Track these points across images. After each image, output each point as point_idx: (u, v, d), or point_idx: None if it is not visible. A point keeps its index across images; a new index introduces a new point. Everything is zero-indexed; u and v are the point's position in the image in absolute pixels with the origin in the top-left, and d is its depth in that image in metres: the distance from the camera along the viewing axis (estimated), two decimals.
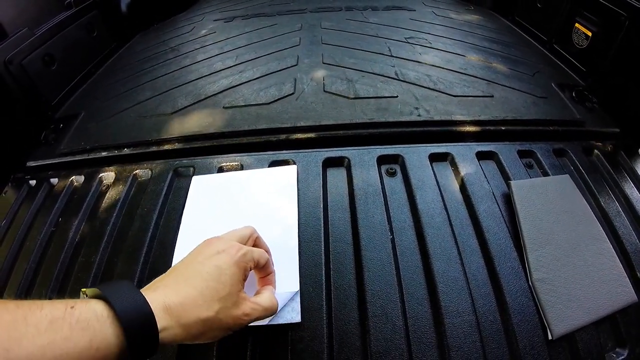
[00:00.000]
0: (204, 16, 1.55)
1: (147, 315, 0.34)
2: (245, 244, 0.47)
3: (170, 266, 0.51)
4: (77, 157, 0.87)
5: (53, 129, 0.99)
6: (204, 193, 0.70)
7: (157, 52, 1.30)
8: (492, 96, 0.94)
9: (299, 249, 0.60)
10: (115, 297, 0.33)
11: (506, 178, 0.72)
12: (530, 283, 0.56)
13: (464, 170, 0.72)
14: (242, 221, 0.55)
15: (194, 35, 1.38)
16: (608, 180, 0.75)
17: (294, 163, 0.73)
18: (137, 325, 0.33)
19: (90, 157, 0.86)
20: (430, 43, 1.19)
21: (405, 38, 1.21)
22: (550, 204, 0.66)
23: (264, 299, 0.46)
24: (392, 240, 0.60)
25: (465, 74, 1.03)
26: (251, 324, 0.48)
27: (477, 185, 0.69)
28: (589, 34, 1.05)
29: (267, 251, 0.52)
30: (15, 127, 0.96)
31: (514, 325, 0.52)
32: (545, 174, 0.74)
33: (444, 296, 0.54)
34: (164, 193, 0.72)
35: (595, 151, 0.81)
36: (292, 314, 0.52)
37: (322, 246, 0.60)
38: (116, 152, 0.85)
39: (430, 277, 0.56)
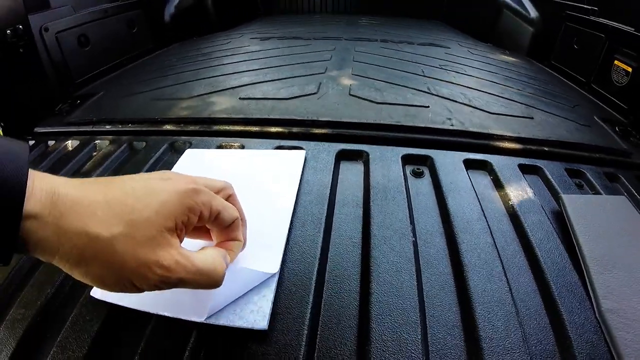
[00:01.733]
0: (242, 35, 1.51)
1: (16, 183, 0.21)
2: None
3: None
4: (82, 128, 0.78)
5: (69, 104, 0.93)
6: (193, 165, 0.56)
7: (190, 54, 1.24)
8: (532, 118, 0.80)
9: (289, 238, 0.43)
10: None
11: (555, 194, 0.56)
12: (597, 315, 0.39)
13: (505, 180, 0.56)
14: None
15: (227, 46, 1.33)
16: None
17: (305, 150, 0.60)
18: None
19: (94, 129, 0.77)
20: (466, 71, 1.07)
21: (440, 65, 1.10)
22: (610, 223, 0.50)
23: (204, 258, 0.28)
24: (415, 244, 0.44)
25: (502, 97, 0.89)
26: (198, 321, 0.32)
27: (523, 196, 0.53)
28: (629, 69, 0.97)
29: (241, 217, 0.36)
30: (35, 93, 0.92)
31: None
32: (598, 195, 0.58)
33: (484, 323, 0.35)
34: (151, 162, 0.59)
35: None
36: (257, 317, 0.34)
37: (320, 242, 0.43)
38: (120, 127, 0.75)
39: (465, 296, 0.38)
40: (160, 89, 0.91)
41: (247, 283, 0.36)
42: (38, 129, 0.82)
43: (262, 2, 2.22)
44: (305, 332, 0.34)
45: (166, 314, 0.34)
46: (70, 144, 0.73)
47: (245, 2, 2.13)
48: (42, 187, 0.23)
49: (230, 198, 0.35)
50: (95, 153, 0.68)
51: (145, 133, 0.73)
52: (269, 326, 0.34)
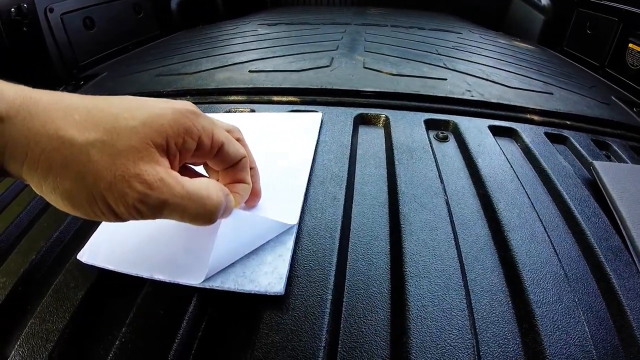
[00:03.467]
0: (249, 22, 1.47)
1: None
2: None
3: None
4: None
5: (73, 85, 0.89)
6: None
7: (197, 39, 1.20)
8: (552, 94, 0.74)
9: (307, 195, 0.38)
10: None
11: (584, 163, 0.51)
12: None
13: (534, 146, 0.50)
14: None
15: (236, 31, 1.29)
16: None
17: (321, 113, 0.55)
18: None
19: None
20: (480, 52, 1.02)
21: (453, 46, 1.05)
22: None
23: (197, 183, 0.23)
24: (447, 203, 0.39)
25: (519, 74, 0.84)
26: (198, 285, 0.27)
27: (553, 162, 0.47)
28: None
29: (250, 162, 0.31)
30: (38, 73, 0.90)
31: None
32: None
33: (533, 287, 0.30)
34: None
35: None
36: (271, 279, 0.29)
37: (343, 200, 0.37)
38: None
39: (508, 257, 0.33)
40: (165, 66, 0.86)
41: (258, 236, 0.31)
42: None
43: None
44: (329, 298, 0.28)
45: (161, 277, 0.28)
46: None
47: None
48: (12, 89, 0.18)
49: (239, 141, 0.29)
50: None
51: None
52: (285, 291, 0.28)
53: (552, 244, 0.35)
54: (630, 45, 1.00)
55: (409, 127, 0.51)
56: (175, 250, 0.30)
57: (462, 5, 1.99)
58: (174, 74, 0.79)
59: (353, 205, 0.38)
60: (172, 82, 0.74)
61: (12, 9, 0.81)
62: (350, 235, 0.34)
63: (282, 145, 0.45)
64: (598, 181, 0.47)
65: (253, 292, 0.28)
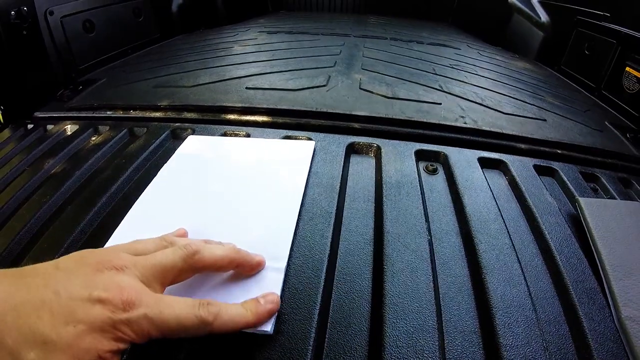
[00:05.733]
0: (249, 28, 1.49)
1: None
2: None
3: (119, 222, 0.39)
4: (83, 113, 0.75)
5: (71, 89, 0.90)
6: (195, 152, 0.53)
7: (196, 45, 1.21)
8: (545, 120, 0.77)
9: (296, 232, 0.40)
10: None
11: (570, 197, 0.53)
12: (616, 323, 0.36)
13: (521, 180, 0.53)
14: (227, 187, 0.40)
15: (234, 39, 1.30)
16: None
17: (313, 141, 0.57)
18: None
19: (95, 114, 0.74)
20: (477, 72, 1.04)
21: (450, 64, 1.07)
22: (628, 228, 0.48)
23: None
24: (430, 243, 0.41)
25: (514, 98, 0.86)
26: None
27: (538, 198, 0.50)
28: None
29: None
30: (36, 77, 0.88)
31: None
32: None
33: (504, 330, 0.32)
34: (150, 149, 0.56)
35: None
36: None
37: (330, 237, 0.40)
38: (121, 113, 0.73)
39: (483, 300, 0.35)
40: (164, 77, 0.88)
41: (250, 283, 0.33)
42: (38, 114, 0.79)
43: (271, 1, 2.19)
44: (313, 335, 0.31)
45: None
46: (69, 128, 0.70)
47: None
48: None
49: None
50: (94, 138, 0.66)
51: (147, 119, 0.71)
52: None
53: (527, 286, 0.38)
54: (627, 68, 1.02)
55: (399, 158, 0.53)
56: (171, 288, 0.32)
57: (463, 15, 2.02)
58: (172, 86, 0.81)
59: (340, 242, 0.40)
60: (170, 95, 0.76)
61: (12, 12, 0.82)
62: (336, 273, 0.37)
63: (274, 176, 0.47)
64: (582, 218, 0.49)
65: (244, 330, 0.30)
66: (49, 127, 0.71)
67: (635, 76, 0.98)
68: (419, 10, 2.11)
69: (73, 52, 0.98)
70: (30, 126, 0.74)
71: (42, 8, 0.89)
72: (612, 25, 1.12)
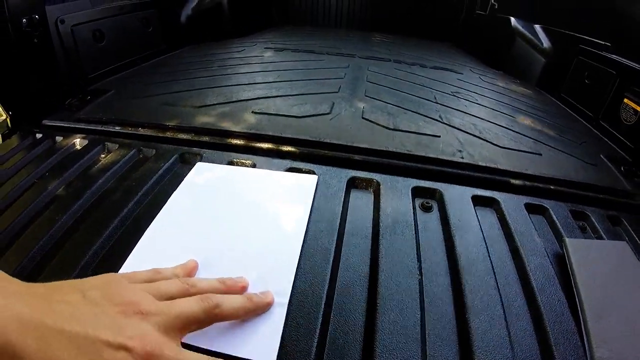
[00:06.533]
0: (256, 43, 1.54)
1: None
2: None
3: (133, 248, 0.43)
4: (91, 126, 0.80)
5: (80, 99, 0.95)
6: (203, 180, 0.58)
7: (203, 59, 1.27)
8: (540, 154, 0.82)
9: (298, 268, 0.45)
10: None
11: (558, 236, 0.58)
12: None
13: (511, 219, 0.58)
14: (235, 218, 0.45)
15: (241, 55, 1.36)
16: None
17: (315, 174, 0.62)
18: None
19: (103, 128, 0.79)
20: (477, 100, 1.10)
21: (452, 92, 1.13)
22: (610, 269, 0.53)
23: None
24: (420, 283, 0.46)
25: (511, 130, 0.92)
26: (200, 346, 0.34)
27: (527, 237, 0.55)
28: (638, 109, 0.99)
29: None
30: (46, 85, 0.92)
31: None
32: (600, 239, 0.60)
33: None
34: (159, 173, 0.61)
35: None
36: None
37: (329, 274, 0.45)
38: (129, 130, 0.78)
39: (466, 338, 0.40)
40: (172, 94, 0.93)
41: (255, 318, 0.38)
42: (46, 122, 0.83)
43: (278, 12, 2.26)
44: None
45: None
46: (79, 142, 0.74)
47: (261, 11, 2.16)
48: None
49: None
50: (103, 155, 0.70)
51: (155, 139, 0.75)
52: None
53: (507, 326, 0.42)
54: (625, 100, 1.06)
55: (397, 196, 0.58)
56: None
57: (467, 37, 2.08)
58: (180, 105, 0.86)
59: (338, 278, 0.45)
60: (178, 114, 0.81)
61: (24, 20, 0.86)
62: (333, 309, 0.41)
63: (279, 211, 0.51)
64: (566, 258, 0.54)
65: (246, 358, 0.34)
66: (58, 138, 0.76)
67: (633, 108, 1.02)
68: (424, 29, 2.18)
69: (82, 61, 1.03)
70: (39, 135, 0.78)
71: (53, 16, 0.94)
72: (612, 56, 1.17)
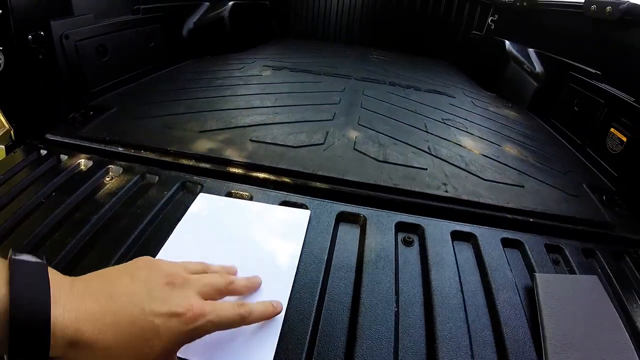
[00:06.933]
0: (255, 60, 1.62)
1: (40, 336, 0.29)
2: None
3: None
4: (94, 145, 0.85)
5: (82, 114, 1.00)
6: (206, 212, 0.65)
7: (204, 77, 1.33)
8: (523, 186, 0.89)
9: (288, 303, 0.51)
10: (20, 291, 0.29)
11: (531, 270, 0.64)
12: None
13: (486, 254, 0.64)
14: (236, 250, 0.52)
15: (241, 73, 1.43)
16: (636, 288, 0.68)
17: (308, 208, 0.69)
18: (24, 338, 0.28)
19: (106, 148, 0.85)
20: (467, 128, 1.18)
21: (442, 119, 1.21)
22: (577, 304, 0.59)
23: None
24: (397, 314, 0.52)
25: (497, 161, 0.99)
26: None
27: (500, 272, 0.62)
28: (624, 139, 1.05)
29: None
30: (49, 99, 0.96)
31: None
32: (572, 273, 0.67)
33: None
34: (163, 201, 0.67)
35: (626, 257, 0.74)
36: None
37: (315, 304, 0.51)
38: (132, 152, 0.83)
39: None
40: (172, 116, 0.99)
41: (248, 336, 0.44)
42: (49, 136, 0.88)
43: (278, 25, 2.34)
44: None
45: None
46: (83, 163, 0.80)
47: (262, 23, 2.24)
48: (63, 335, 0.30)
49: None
50: (108, 178, 0.76)
51: (158, 163, 0.81)
52: None
53: (472, 356, 0.49)
54: (612, 129, 1.12)
55: (381, 231, 0.65)
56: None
57: (463, 56, 2.17)
58: (181, 129, 0.93)
59: (323, 309, 0.51)
60: (179, 139, 0.88)
61: (30, 36, 0.89)
62: (317, 337, 0.48)
63: (274, 246, 0.58)
64: (535, 293, 0.60)
65: None
66: (63, 157, 0.81)
67: (618, 138, 1.08)
68: (421, 47, 2.26)
69: (85, 76, 1.08)
70: (43, 152, 0.83)
71: (58, 32, 0.98)
72: (602, 85, 1.23)
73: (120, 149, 0.85)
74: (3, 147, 0.87)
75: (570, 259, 0.70)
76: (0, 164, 0.79)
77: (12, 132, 0.88)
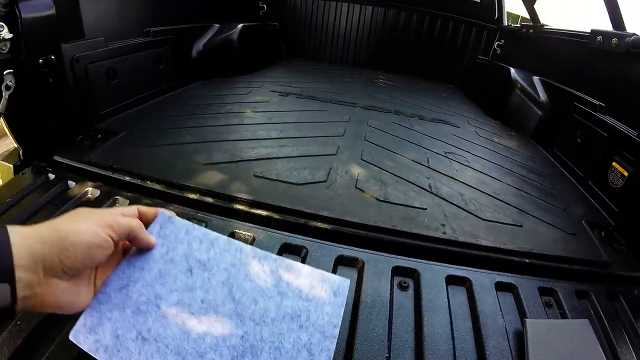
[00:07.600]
0: (262, 84, 1.69)
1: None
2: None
3: None
4: (102, 172, 0.89)
5: (91, 136, 1.04)
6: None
7: (211, 102, 1.40)
8: (522, 226, 0.94)
9: None
10: None
11: (522, 315, 0.69)
12: None
13: (479, 299, 0.69)
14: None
15: (248, 99, 1.49)
16: (628, 330, 0.71)
17: (308, 250, 0.73)
18: None
19: (113, 175, 0.89)
20: (468, 162, 1.23)
21: (445, 152, 1.26)
22: (565, 349, 0.63)
23: None
24: (387, 359, 0.57)
25: (498, 198, 1.04)
26: None
27: (491, 318, 0.66)
28: (626, 173, 1.09)
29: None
30: (58, 121, 0.99)
31: None
32: (564, 316, 0.71)
33: None
34: None
35: (620, 297, 0.77)
36: None
37: None
38: (139, 181, 0.88)
39: None
40: (179, 145, 1.06)
41: None
42: (57, 158, 0.92)
43: (287, 47, 2.42)
44: None
45: None
46: (91, 192, 0.84)
47: (270, 45, 2.32)
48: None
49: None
50: None
51: (163, 195, 0.86)
52: None
53: None
54: (614, 163, 1.16)
55: (377, 276, 0.70)
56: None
57: (469, 81, 2.23)
58: (187, 160, 0.99)
59: None
60: (185, 171, 0.94)
61: (41, 60, 0.91)
62: None
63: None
64: (525, 338, 0.64)
65: None
66: (71, 183, 0.85)
67: (620, 172, 1.12)
68: (428, 71, 2.34)
69: (95, 99, 1.13)
70: (51, 175, 0.87)
71: (68, 55, 1.02)
72: (605, 117, 1.28)
73: (127, 177, 0.89)
74: (11, 165, 0.90)
75: (563, 302, 0.73)
76: (9, 185, 0.83)
77: (20, 151, 0.92)
